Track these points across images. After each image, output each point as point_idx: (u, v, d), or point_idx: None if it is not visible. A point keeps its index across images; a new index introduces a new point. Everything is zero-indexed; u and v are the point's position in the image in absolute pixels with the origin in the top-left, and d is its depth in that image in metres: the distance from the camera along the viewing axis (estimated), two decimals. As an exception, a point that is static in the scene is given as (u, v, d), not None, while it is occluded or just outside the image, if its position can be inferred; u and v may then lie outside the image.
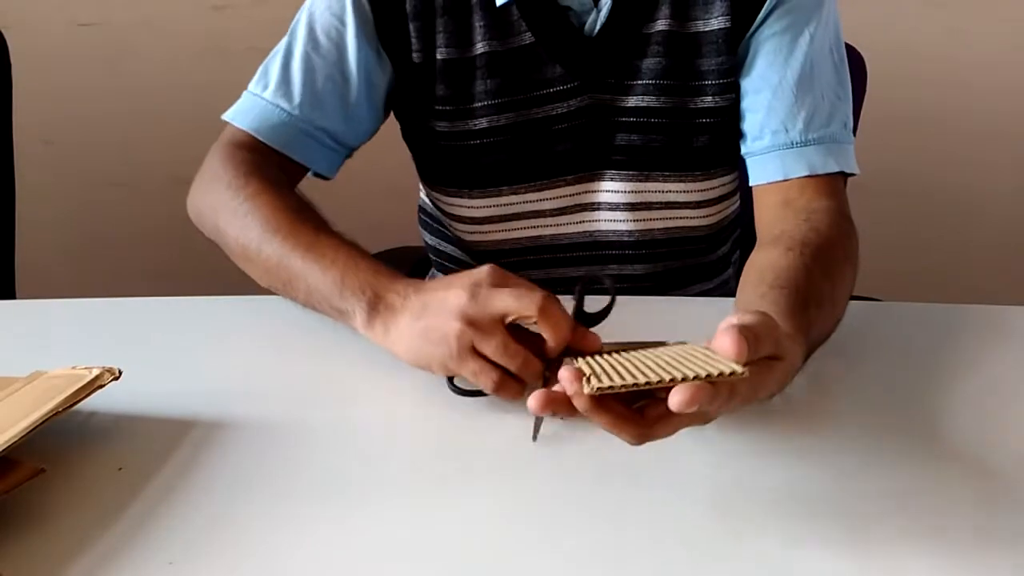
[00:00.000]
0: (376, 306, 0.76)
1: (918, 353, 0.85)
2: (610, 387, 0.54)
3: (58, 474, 0.63)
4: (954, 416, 0.74)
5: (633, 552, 0.58)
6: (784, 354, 0.61)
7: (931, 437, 0.71)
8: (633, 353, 0.63)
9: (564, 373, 0.56)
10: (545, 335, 0.68)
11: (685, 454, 0.68)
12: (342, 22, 0.96)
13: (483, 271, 0.71)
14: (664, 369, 0.55)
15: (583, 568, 0.57)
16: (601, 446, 0.69)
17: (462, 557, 0.57)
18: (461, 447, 0.70)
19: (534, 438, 0.69)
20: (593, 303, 0.71)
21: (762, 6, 0.95)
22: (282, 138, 0.95)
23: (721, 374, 0.53)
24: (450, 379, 0.75)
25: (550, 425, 0.71)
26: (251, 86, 0.98)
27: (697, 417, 0.58)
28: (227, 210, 0.88)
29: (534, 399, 0.57)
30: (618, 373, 0.57)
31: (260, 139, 0.95)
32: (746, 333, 0.55)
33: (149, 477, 0.64)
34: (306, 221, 0.84)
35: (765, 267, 0.79)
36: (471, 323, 0.69)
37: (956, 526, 0.60)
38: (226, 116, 0.97)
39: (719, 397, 0.54)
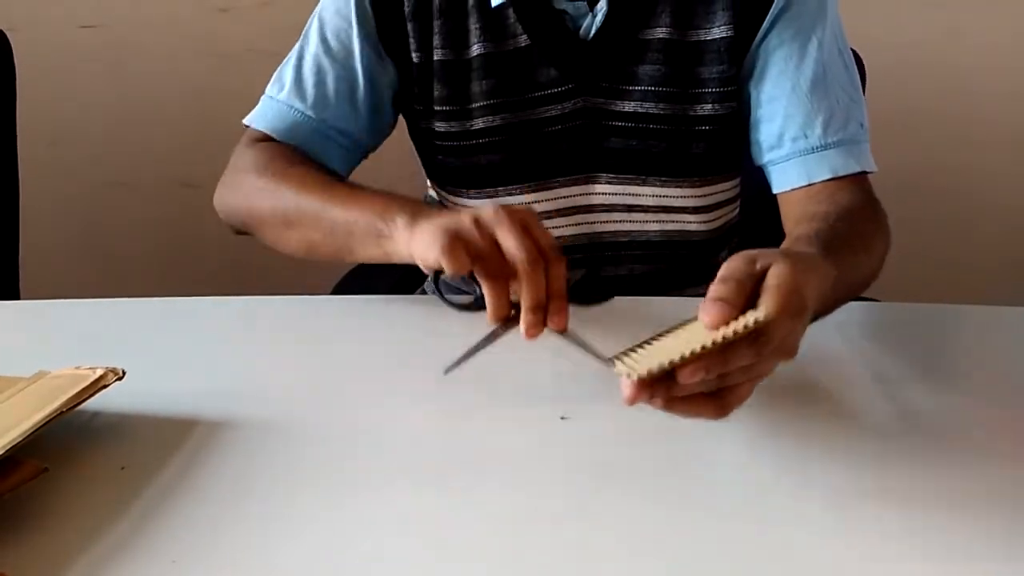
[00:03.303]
0: (416, 215, 0.79)
1: (918, 353, 0.85)
2: (640, 375, 0.57)
3: (61, 473, 0.64)
4: (953, 416, 0.74)
5: (633, 551, 0.58)
6: (771, 260, 0.61)
7: (930, 437, 0.71)
8: (665, 338, 0.64)
9: (626, 392, 0.58)
10: (524, 290, 0.70)
11: (684, 452, 0.68)
12: (349, 23, 0.98)
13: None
14: (689, 344, 0.57)
15: (584, 567, 0.57)
16: (602, 446, 0.70)
17: (463, 556, 0.57)
18: (462, 446, 0.70)
19: (446, 371, 0.71)
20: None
21: (765, 16, 0.95)
22: (297, 138, 0.99)
23: (735, 332, 0.56)
24: (437, 280, 0.80)
25: (549, 421, 0.71)
26: (268, 90, 1.02)
27: (770, 355, 0.59)
28: (258, 191, 0.93)
29: (628, 391, 0.58)
30: (652, 359, 0.58)
31: (277, 138, 0.99)
32: (717, 294, 0.59)
33: (152, 476, 0.64)
34: (336, 180, 0.92)
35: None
36: (495, 212, 0.72)
37: (956, 526, 0.60)
38: (246, 120, 1.01)
39: (732, 356, 0.58)
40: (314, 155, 0.98)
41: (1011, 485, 0.65)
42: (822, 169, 0.94)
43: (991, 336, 0.90)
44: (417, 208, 0.81)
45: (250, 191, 0.95)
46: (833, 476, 0.66)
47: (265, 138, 0.99)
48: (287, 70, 1.01)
